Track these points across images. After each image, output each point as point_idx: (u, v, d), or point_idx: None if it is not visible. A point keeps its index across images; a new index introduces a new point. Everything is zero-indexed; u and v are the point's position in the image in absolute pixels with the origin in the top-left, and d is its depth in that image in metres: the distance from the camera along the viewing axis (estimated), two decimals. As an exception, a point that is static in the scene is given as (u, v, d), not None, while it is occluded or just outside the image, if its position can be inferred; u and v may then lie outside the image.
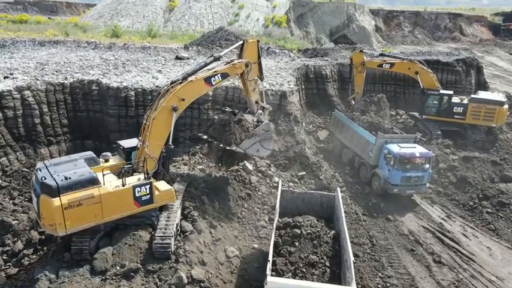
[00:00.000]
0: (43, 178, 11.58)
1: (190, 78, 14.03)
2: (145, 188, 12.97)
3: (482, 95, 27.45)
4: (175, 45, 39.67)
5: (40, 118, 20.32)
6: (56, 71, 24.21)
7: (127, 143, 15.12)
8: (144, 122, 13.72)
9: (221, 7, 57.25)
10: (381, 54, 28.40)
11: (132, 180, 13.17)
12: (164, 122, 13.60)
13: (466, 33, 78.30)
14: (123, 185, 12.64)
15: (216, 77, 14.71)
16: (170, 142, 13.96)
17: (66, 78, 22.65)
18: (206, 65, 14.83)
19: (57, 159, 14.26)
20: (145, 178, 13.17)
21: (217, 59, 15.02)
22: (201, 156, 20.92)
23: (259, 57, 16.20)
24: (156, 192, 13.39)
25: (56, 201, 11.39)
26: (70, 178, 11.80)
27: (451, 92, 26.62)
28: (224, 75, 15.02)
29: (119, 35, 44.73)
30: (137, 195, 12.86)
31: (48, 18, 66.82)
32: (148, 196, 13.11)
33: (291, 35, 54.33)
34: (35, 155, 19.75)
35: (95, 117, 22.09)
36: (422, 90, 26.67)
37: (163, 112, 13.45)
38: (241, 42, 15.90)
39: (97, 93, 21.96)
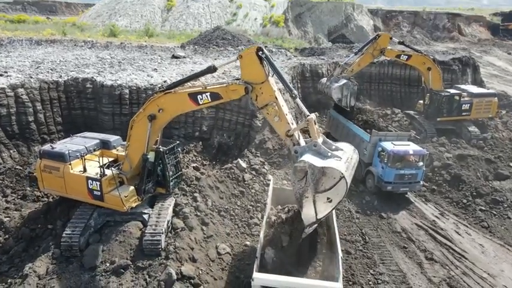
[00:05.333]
0: (54, 142, 14.36)
1: (175, 89, 12.35)
2: (96, 184, 13.11)
3: (472, 89, 27.88)
4: (172, 44, 39.72)
5: (34, 116, 20.34)
6: (51, 69, 24.24)
7: None
8: None
9: (219, 6, 57.32)
10: (400, 43, 27.19)
11: (94, 171, 13.52)
12: (141, 128, 12.78)
13: (464, 33, 78.24)
14: (83, 173, 13.37)
15: (203, 95, 11.84)
16: (146, 151, 13.07)
17: (60, 76, 22.67)
18: (198, 75, 12.69)
19: (88, 134, 16.01)
20: (100, 175, 13.09)
21: (213, 70, 11.98)
22: (195, 154, 20.93)
23: (271, 70, 11.21)
24: (107, 193, 13.21)
25: (38, 162, 14.23)
26: (53, 148, 13.71)
27: (459, 91, 26.69)
28: (214, 96, 11.81)
29: (117, 34, 44.81)
30: (90, 187, 13.23)
31: (47, 18, 66.94)
32: (99, 193, 13.19)
33: (288, 34, 54.39)
34: (29, 152, 19.75)
35: (89, 115, 22.12)
36: (432, 94, 26.17)
37: (140, 118, 12.71)
38: (234, 58, 11.86)
39: (91, 91, 21.99)
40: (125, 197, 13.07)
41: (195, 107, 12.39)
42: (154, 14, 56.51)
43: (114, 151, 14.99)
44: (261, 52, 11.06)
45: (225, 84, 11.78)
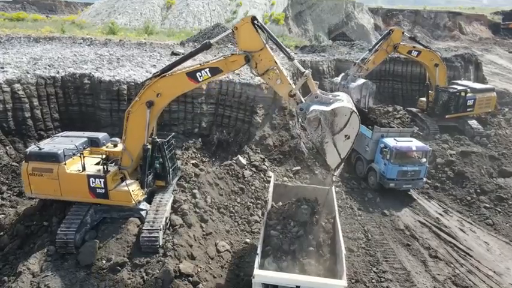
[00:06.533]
0: (35, 143, 13.27)
1: (171, 71, 12.19)
2: (100, 181, 12.61)
3: (472, 84, 27.70)
4: (171, 42, 39.36)
5: (30, 112, 19.98)
6: (49, 66, 23.85)
7: None
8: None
9: (219, 4, 56.96)
10: (411, 38, 26.48)
11: (92, 169, 13.00)
12: (138, 117, 12.35)
13: (465, 32, 78.02)
14: (82, 171, 12.75)
15: (202, 72, 11.83)
16: (146, 142, 12.72)
17: (58, 72, 22.32)
18: (193, 54, 12.54)
19: (72, 133, 15.19)
20: (104, 171, 12.67)
21: (208, 46, 11.95)
22: (194, 150, 20.59)
23: (268, 39, 11.61)
24: (113, 190, 12.83)
25: (24, 165, 13.05)
26: (41, 149, 12.81)
27: (465, 87, 26.33)
28: (214, 70, 11.87)
29: (116, 32, 44.48)
30: (92, 185, 12.68)
31: (46, 16, 66.61)
32: (103, 190, 12.72)
33: (289, 32, 54.06)
34: (25, 149, 19.35)
35: (87, 111, 21.73)
36: (439, 91, 25.77)
37: (136, 107, 12.30)
38: (229, 31, 12.04)
39: (89, 87, 21.63)
40: (132, 191, 12.80)
41: (195, 84, 12.26)
42: (153, 12, 56.12)
43: (104, 148, 14.46)
44: (256, 21, 11.36)
45: (223, 58, 11.86)
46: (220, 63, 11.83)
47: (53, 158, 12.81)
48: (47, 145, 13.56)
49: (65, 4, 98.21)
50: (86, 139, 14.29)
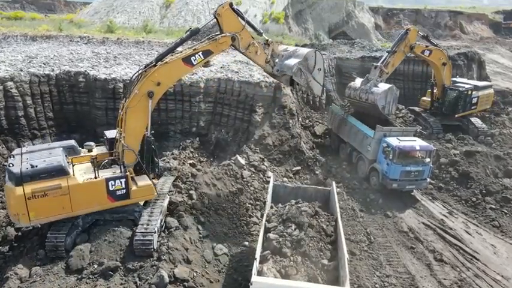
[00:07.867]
0: (10, 165, 11.11)
1: (166, 59, 12.52)
2: (121, 182, 12.06)
3: (471, 82, 27.43)
4: (170, 40, 38.81)
5: (24, 110, 19.50)
6: (44, 64, 23.38)
7: (111, 133, 14.11)
8: (120, 111, 12.70)
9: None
10: (424, 37, 25.41)
11: (106, 172, 12.30)
12: (139, 110, 12.20)
13: (466, 31, 77.50)
14: (96, 177, 11.85)
15: (196, 55, 12.84)
16: (148, 133, 12.63)
17: (53, 70, 21.82)
18: (184, 40, 13.29)
19: (35, 147, 13.93)
20: (121, 171, 12.20)
21: (195, 32, 13.15)
22: (192, 150, 20.11)
23: (244, 21, 13.52)
24: (133, 187, 12.34)
25: (19, 190, 10.79)
26: (36, 166, 11.12)
27: (471, 85, 25.84)
28: (206, 53, 13.05)
29: (114, 30, 43.98)
30: (111, 189, 12.00)
31: (45, 15, 66.09)
32: (124, 191, 12.15)
33: (289, 31, 53.52)
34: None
35: (82, 110, 21.24)
36: (447, 90, 25.32)
37: (137, 99, 12.06)
38: (213, 18, 13.46)
39: (84, 85, 21.15)
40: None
41: (191, 68, 13.41)
42: (152, 11, 55.60)
43: (82, 154, 13.58)
44: (233, 6, 13.31)
45: (213, 40, 13.21)
46: (211, 46, 13.18)
47: (58, 172, 11.29)
48: (39, 160, 11.64)
49: (64, 3, 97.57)
50: (62, 148, 12.81)
